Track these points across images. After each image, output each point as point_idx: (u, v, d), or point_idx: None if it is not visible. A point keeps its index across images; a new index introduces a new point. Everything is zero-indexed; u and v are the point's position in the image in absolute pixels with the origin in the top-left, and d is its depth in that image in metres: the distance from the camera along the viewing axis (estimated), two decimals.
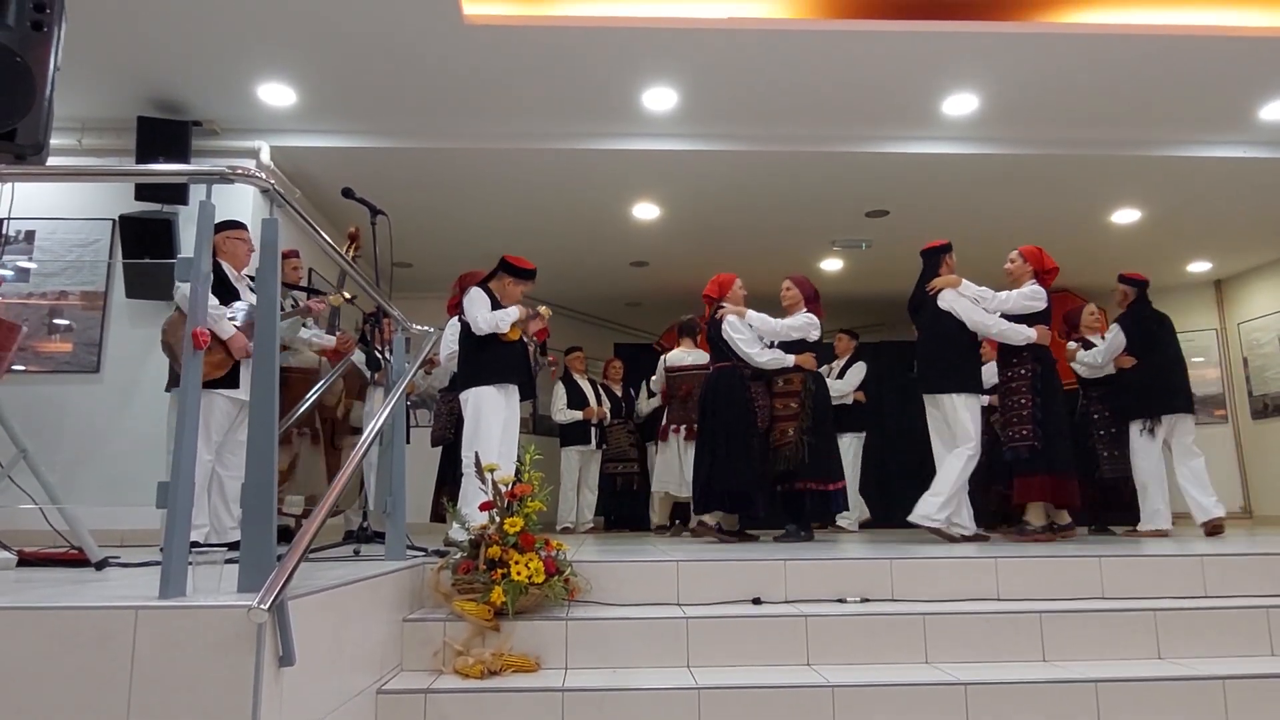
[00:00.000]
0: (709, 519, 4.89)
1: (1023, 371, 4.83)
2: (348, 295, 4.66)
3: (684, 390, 6.26)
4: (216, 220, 4.22)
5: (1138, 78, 5.14)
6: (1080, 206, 6.91)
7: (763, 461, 4.94)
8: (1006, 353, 4.92)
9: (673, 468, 6.23)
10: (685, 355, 6.43)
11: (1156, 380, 5.48)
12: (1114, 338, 5.62)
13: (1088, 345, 5.85)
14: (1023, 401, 4.79)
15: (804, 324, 5.06)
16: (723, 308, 5.16)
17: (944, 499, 4.50)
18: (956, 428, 4.63)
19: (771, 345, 5.05)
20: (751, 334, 5.03)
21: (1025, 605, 2.93)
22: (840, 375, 6.85)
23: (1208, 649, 2.82)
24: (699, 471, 4.99)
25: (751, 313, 5.09)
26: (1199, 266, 8.65)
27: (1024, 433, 4.72)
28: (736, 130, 5.76)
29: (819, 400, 5.00)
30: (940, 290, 4.83)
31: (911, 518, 4.56)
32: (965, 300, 4.78)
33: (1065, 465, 4.73)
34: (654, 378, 6.92)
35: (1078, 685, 2.51)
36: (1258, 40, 4.77)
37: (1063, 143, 5.91)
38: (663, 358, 6.57)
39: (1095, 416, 5.76)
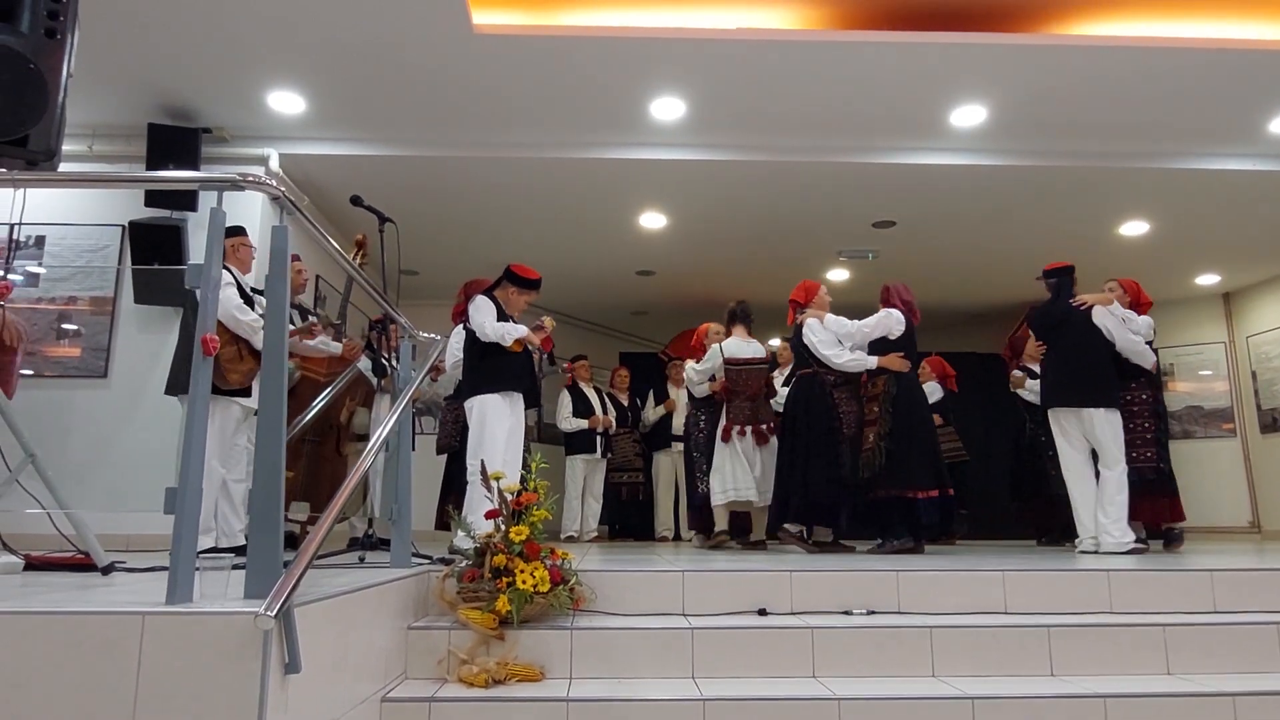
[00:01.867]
0: (791, 527, 4.79)
1: (1143, 396, 5.14)
2: (335, 321, 4.71)
3: (752, 389, 5.62)
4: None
5: (1146, 90, 5.14)
6: (1088, 219, 6.90)
7: (852, 470, 4.82)
8: (1122, 376, 5.04)
9: (738, 474, 5.47)
10: (744, 346, 5.72)
11: None
12: None
13: (1031, 374, 6.14)
14: (1146, 425, 5.09)
15: (880, 321, 4.95)
16: (804, 312, 5.09)
17: (1125, 521, 4.67)
18: (1111, 443, 4.74)
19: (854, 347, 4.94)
20: (830, 336, 4.94)
21: (1033, 619, 2.91)
22: (786, 383, 6.73)
23: (1217, 665, 2.80)
24: (781, 482, 4.88)
25: (830, 315, 5.04)
26: (1207, 279, 8.62)
27: (1148, 455, 5.00)
28: (744, 140, 5.77)
29: (899, 403, 4.81)
30: (1091, 305, 4.96)
31: (1107, 550, 4.62)
32: (1115, 319, 4.96)
33: (1176, 485, 5.13)
34: (700, 365, 5.91)
35: (1086, 701, 2.49)
36: (1267, 53, 4.76)
37: (1071, 155, 5.90)
38: (717, 346, 5.75)
39: (1043, 439, 6.03)
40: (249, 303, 4.11)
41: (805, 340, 4.98)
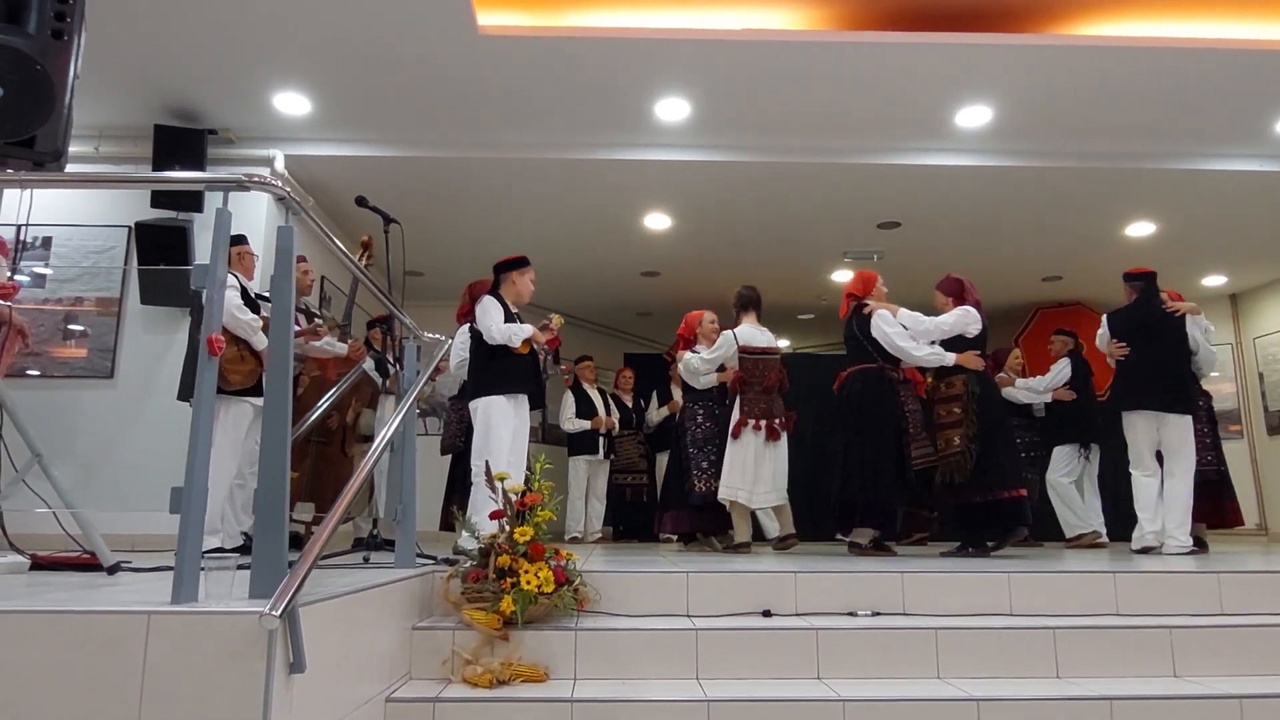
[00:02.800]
0: (861, 538, 4.60)
1: (1199, 403, 5.35)
2: (341, 322, 4.73)
3: (770, 380, 5.26)
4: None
5: (1153, 90, 5.12)
6: (1094, 220, 6.88)
7: (921, 473, 4.68)
8: None
9: (748, 472, 5.10)
10: (758, 334, 5.37)
11: (1088, 414, 6.19)
12: (1060, 371, 6.28)
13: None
14: (1204, 430, 5.28)
15: (959, 318, 4.79)
16: (866, 304, 4.93)
17: (1189, 526, 4.91)
18: (1184, 447, 4.95)
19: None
20: (903, 329, 4.79)
21: (1038, 621, 2.90)
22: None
23: (1224, 667, 2.79)
24: (835, 482, 4.70)
25: (904, 310, 4.89)
26: (1214, 281, 8.59)
27: (1208, 458, 5.25)
28: (749, 141, 5.76)
29: (985, 403, 4.66)
30: (1184, 314, 5.13)
31: (1170, 552, 4.82)
32: (1200, 328, 5.19)
33: (1234, 488, 5.50)
34: (709, 353, 5.48)
35: (1092, 703, 2.48)
36: (1273, 54, 4.74)
37: (1077, 155, 5.89)
38: (731, 333, 5.38)
39: (1017, 441, 6.20)
40: (254, 309, 4.15)
41: (875, 333, 4.77)
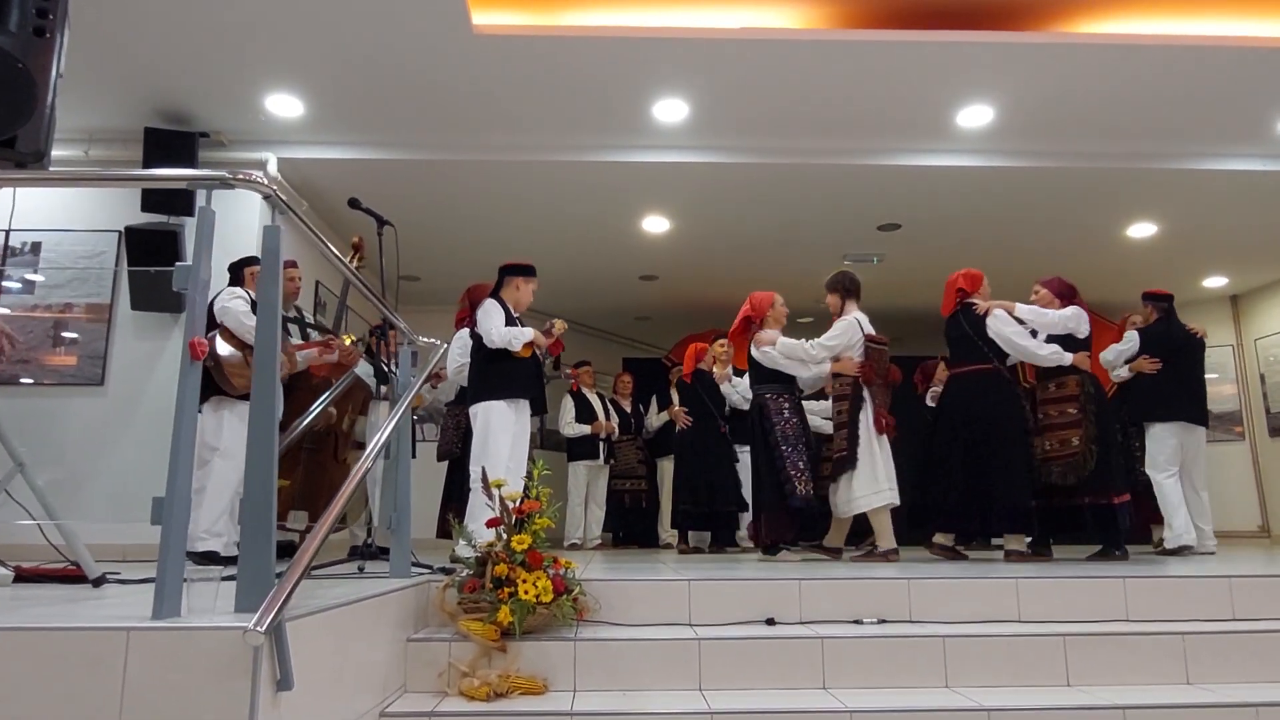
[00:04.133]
0: (1017, 544, 4.53)
1: None
2: (354, 338, 4.69)
3: (895, 374, 5.06)
4: (241, 257, 4.39)
5: (1154, 89, 5.07)
6: (1095, 220, 6.83)
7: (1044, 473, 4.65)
8: None
9: (891, 471, 4.72)
10: (870, 325, 5.00)
11: None
12: None
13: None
14: None
15: (1074, 315, 4.81)
16: (975, 303, 4.86)
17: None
18: (1201, 458, 5.45)
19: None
20: (1021, 329, 4.75)
21: (1048, 628, 2.85)
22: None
23: (1238, 674, 2.74)
24: (964, 487, 4.56)
25: (1020, 305, 4.85)
26: (1215, 281, 8.55)
27: None
28: (747, 142, 5.71)
29: (1101, 404, 4.70)
30: (1202, 335, 5.58)
31: (1206, 550, 5.21)
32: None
33: None
34: (830, 339, 4.93)
35: (1104, 712, 2.43)
36: (1275, 52, 4.70)
37: (1078, 156, 5.84)
38: (854, 319, 4.93)
39: None
40: None
41: (991, 333, 4.72)
